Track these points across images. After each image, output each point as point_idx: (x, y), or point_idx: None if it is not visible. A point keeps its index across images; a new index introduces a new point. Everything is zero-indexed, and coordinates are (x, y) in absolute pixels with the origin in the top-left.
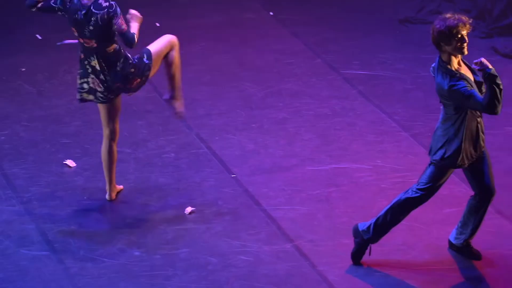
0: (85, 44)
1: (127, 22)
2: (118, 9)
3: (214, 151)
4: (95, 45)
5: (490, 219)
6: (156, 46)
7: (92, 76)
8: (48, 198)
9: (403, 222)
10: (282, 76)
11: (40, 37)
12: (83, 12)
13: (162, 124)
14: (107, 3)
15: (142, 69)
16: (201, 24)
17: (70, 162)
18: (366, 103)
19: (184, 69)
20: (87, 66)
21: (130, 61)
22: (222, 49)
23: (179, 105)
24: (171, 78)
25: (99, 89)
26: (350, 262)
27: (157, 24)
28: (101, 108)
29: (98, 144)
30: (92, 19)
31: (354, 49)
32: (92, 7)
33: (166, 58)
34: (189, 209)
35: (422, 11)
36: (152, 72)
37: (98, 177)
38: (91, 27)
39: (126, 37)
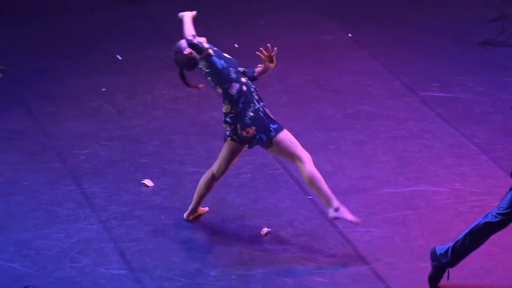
0: None
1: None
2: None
3: (291, 172)
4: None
5: None
6: (291, 143)
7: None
8: (126, 217)
9: (482, 246)
10: (359, 98)
11: (120, 58)
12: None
13: None
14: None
15: (262, 128)
16: (279, 45)
17: (148, 182)
18: (444, 125)
19: (262, 90)
20: None
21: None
22: (300, 70)
23: (346, 213)
24: (319, 193)
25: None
26: (427, 286)
27: (236, 45)
28: (225, 145)
29: (176, 164)
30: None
31: (433, 71)
32: None
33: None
34: (265, 230)
35: (504, 33)
36: (271, 150)
37: (175, 196)
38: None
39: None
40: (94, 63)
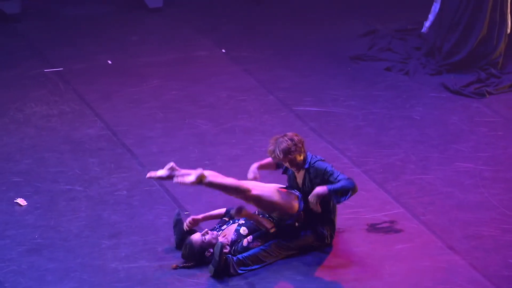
0: None
1: None
2: None
3: (167, 188)
4: None
5: (442, 254)
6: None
7: None
8: None
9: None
10: (235, 113)
11: None
12: None
13: (114, 161)
14: None
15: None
16: (153, 62)
17: (21, 201)
18: (318, 139)
19: (137, 107)
20: None
21: None
22: (175, 87)
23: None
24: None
25: None
26: None
27: (109, 62)
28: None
29: (49, 182)
30: None
31: (306, 85)
32: None
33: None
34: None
35: (373, 48)
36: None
37: (49, 215)
38: None
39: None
40: None
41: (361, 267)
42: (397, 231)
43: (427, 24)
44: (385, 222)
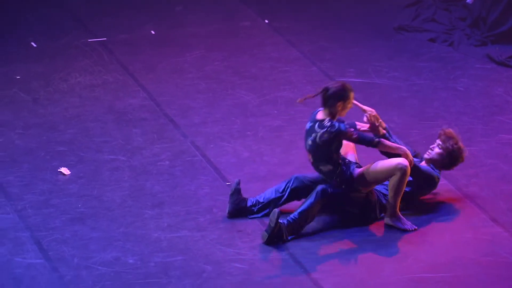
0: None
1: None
2: (343, 126)
3: (209, 158)
4: (311, 160)
5: (485, 226)
6: (378, 167)
7: None
8: (43, 206)
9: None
10: (277, 84)
11: (35, 45)
12: (310, 124)
13: (157, 132)
14: (329, 123)
15: (347, 183)
16: (196, 33)
17: (64, 170)
18: (360, 111)
19: (179, 77)
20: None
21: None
22: (218, 57)
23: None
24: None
25: None
26: (344, 268)
27: (152, 32)
28: None
29: (93, 151)
30: (313, 135)
31: (349, 57)
32: (316, 124)
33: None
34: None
35: (417, 18)
36: (365, 190)
37: (92, 184)
38: (309, 142)
39: (365, 142)
40: (9, 51)
41: (404, 238)
42: (440, 202)
43: None
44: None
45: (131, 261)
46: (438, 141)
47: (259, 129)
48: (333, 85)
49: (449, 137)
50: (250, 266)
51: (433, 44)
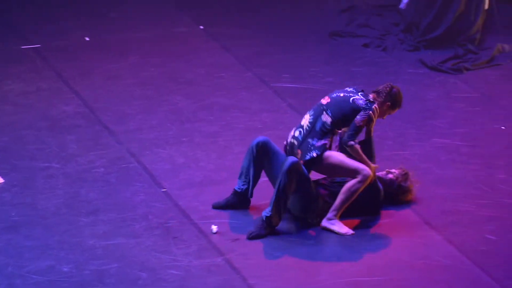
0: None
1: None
2: (370, 113)
3: (145, 165)
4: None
5: (420, 230)
6: (346, 160)
7: None
8: None
9: None
10: (213, 90)
11: None
12: (353, 89)
13: (92, 139)
14: (373, 103)
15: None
16: (132, 38)
17: None
18: (296, 116)
19: (114, 84)
20: None
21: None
22: (154, 63)
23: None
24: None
25: None
26: (281, 275)
27: (87, 39)
28: None
29: (26, 159)
30: (350, 95)
31: (285, 62)
32: (362, 93)
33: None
34: (214, 228)
35: (351, 24)
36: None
37: (26, 192)
38: (340, 95)
39: (348, 134)
40: None
41: (341, 242)
42: None
43: (405, 0)
44: None
45: (65, 269)
46: (396, 172)
47: (195, 135)
48: (398, 89)
49: (406, 178)
50: (186, 272)
51: (367, 49)
